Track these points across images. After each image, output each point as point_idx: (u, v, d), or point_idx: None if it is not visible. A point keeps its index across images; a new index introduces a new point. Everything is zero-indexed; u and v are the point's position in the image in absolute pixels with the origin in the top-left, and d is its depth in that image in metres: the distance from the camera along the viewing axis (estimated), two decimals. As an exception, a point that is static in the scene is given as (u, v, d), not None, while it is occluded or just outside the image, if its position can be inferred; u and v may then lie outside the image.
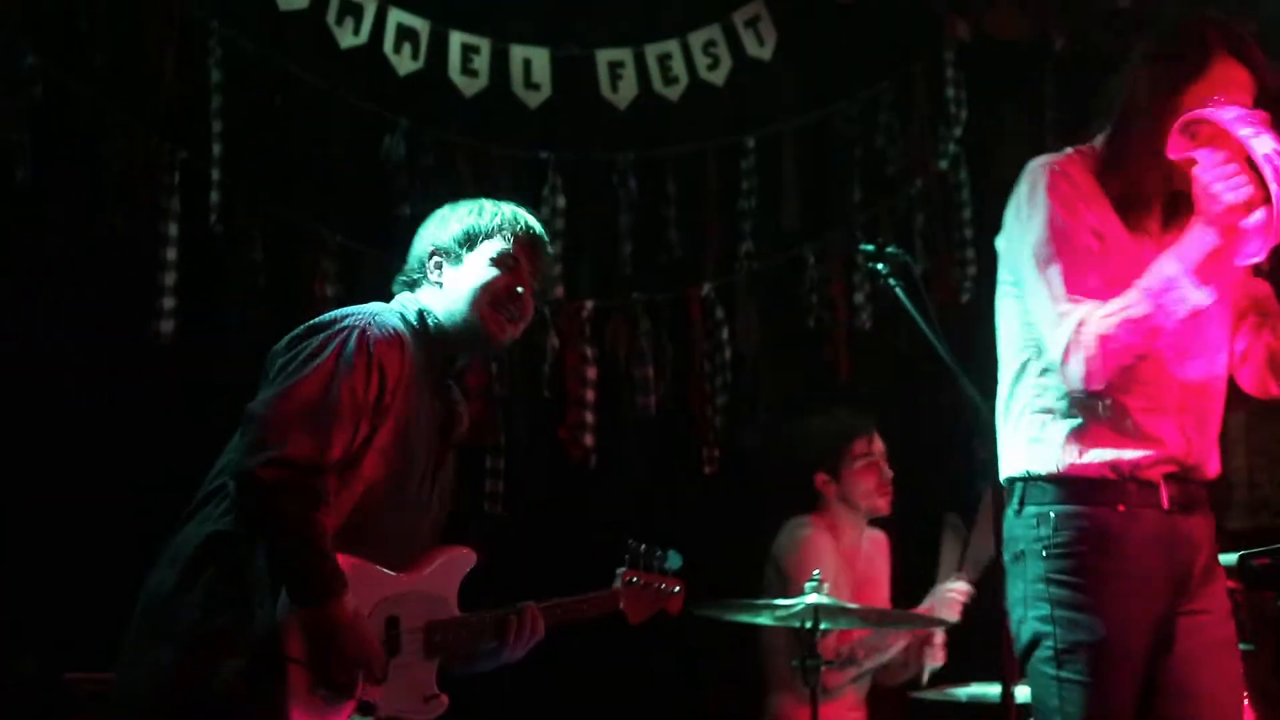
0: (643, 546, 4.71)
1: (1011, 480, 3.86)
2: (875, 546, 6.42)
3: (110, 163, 5.75)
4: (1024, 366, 3.85)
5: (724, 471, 6.86)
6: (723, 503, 6.79)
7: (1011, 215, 3.86)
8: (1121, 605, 3.69)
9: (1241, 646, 3.94)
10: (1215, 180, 3.53)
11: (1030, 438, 3.81)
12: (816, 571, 5.49)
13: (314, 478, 3.81)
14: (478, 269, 4.20)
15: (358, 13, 6.25)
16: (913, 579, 6.31)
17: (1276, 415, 6.18)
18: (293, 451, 3.78)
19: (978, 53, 7.26)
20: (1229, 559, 5.51)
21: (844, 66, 7.17)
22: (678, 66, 6.77)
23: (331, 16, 6.22)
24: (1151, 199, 3.81)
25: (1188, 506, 3.80)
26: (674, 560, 4.75)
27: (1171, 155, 3.64)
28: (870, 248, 5.00)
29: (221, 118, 5.94)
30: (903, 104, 7.18)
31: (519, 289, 4.20)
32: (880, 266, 4.94)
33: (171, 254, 5.82)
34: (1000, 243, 3.91)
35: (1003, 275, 3.92)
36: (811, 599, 5.36)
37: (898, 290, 4.89)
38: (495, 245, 4.22)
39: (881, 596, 6.32)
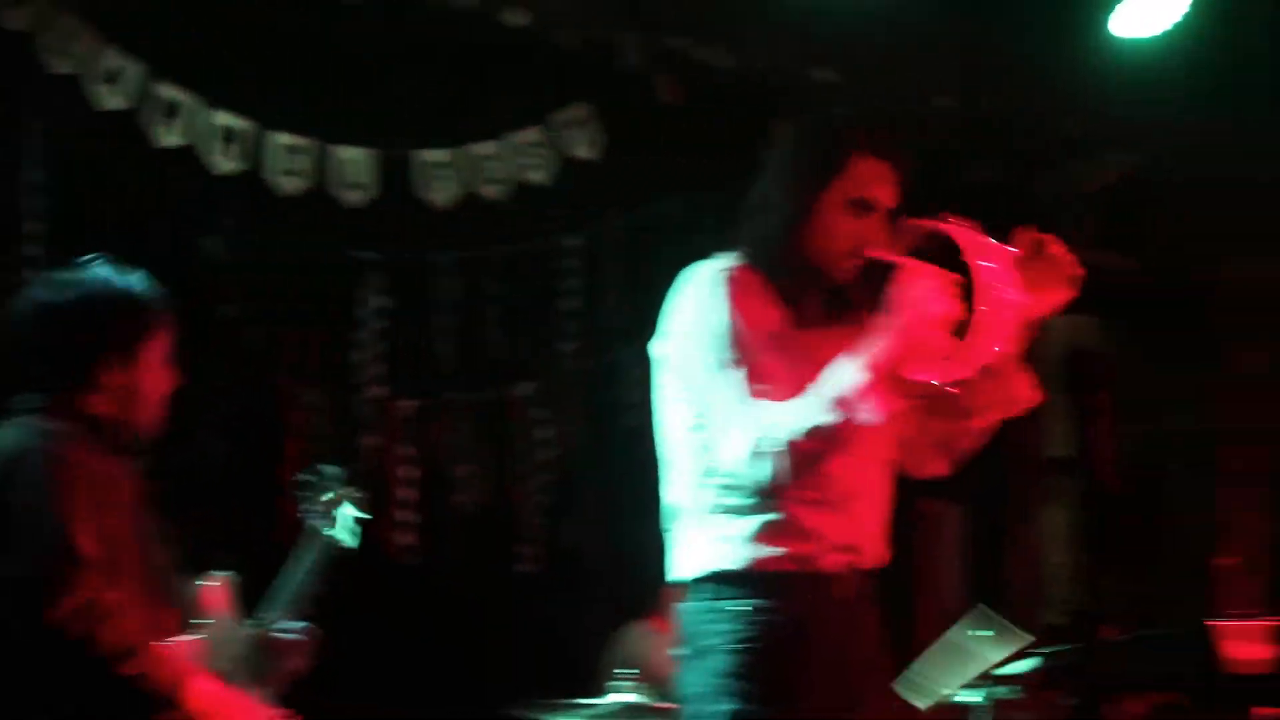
0: (302, 478, 4.65)
1: (693, 579, 3.81)
2: None
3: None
4: (702, 469, 3.77)
5: (544, 570, 6.88)
6: (541, 601, 6.82)
7: (679, 320, 3.80)
8: (810, 697, 3.68)
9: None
10: (930, 291, 3.51)
11: (713, 537, 3.77)
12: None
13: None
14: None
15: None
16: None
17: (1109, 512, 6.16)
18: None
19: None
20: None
21: (668, 167, 7.24)
22: (500, 167, 6.81)
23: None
24: (810, 295, 3.80)
25: (861, 597, 3.83)
26: (332, 470, 4.69)
27: (877, 255, 3.63)
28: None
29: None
30: (724, 205, 7.21)
31: None
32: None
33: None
34: (661, 348, 3.85)
35: (667, 381, 3.86)
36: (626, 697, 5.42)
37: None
38: None
39: None
